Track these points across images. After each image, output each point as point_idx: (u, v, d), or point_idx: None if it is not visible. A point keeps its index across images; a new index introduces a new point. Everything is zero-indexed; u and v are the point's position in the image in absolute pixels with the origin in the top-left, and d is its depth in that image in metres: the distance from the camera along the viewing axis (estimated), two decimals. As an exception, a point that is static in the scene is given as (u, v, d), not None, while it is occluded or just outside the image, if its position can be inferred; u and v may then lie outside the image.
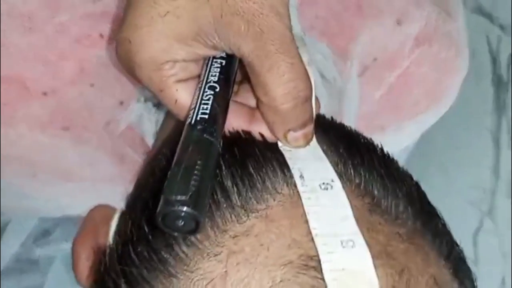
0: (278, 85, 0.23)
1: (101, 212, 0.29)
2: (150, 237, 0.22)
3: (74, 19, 0.34)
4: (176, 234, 0.20)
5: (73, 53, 0.34)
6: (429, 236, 0.24)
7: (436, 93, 0.41)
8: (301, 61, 0.23)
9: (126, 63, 0.24)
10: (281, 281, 0.20)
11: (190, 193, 0.19)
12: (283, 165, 0.23)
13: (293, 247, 0.21)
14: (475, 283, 0.25)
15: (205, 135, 0.22)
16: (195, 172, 0.20)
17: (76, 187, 0.40)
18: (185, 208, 0.19)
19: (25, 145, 0.36)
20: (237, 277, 0.20)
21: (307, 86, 0.23)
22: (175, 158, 0.21)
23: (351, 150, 0.25)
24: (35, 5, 0.33)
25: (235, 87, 0.27)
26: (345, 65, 0.36)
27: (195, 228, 0.20)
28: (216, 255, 0.21)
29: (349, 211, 0.22)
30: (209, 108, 0.23)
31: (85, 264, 0.27)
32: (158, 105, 0.36)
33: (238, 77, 0.27)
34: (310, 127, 0.24)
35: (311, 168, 0.23)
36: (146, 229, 0.22)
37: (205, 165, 0.21)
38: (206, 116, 0.22)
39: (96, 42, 0.34)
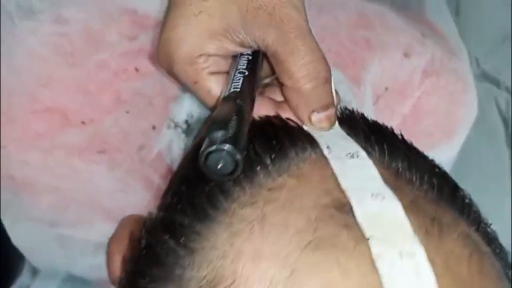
0: (300, 67, 0.26)
1: (135, 217, 0.30)
2: (191, 195, 0.23)
3: (113, 55, 0.38)
4: (216, 177, 0.22)
5: (111, 85, 0.38)
6: (456, 209, 0.25)
7: (448, 126, 0.43)
8: (318, 47, 0.26)
9: (165, 62, 0.28)
10: (316, 219, 0.21)
11: (229, 135, 0.22)
12: (311, 139, 0.25)
13: (325, 195, 0.22)
14: (509, 259, 0.25)
15: (238, 101, 0.24)
16: (232, 122, 0.22)
17: (104, 228, 0.41)
18: (226, 146, 0.21)
19: (62, 172, 0.38)
20: (274, 219, 0.21)
21: (326, 69, 0.26)
22: (214, 114, 0.23)
23: (373, 133, 0.27)
24: (78, 44, 0.38)
25: (262, 91, 0.30)
26: (359, 90, 0.39)
27: (234, 169, 0.22)
28: (253, 203, 0.22)
29: (376, 172, 0.23)
30: (240, 85, 0.26)
31: (118, 259, 0.29)
32: (187, 131, 0.38)
33: (263, 83, 0.30)
34: (332, 110, 0.27)
35: (337, 143, 0.25)
36: (187, 190, 0.24)
37: (240, 119, 0.23)
38: (238, 89, 0.25)
39: (132, 75, 0.38)
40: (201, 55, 0.27)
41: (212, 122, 0.22)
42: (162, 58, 0.28)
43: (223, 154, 0.21)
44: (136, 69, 0.38)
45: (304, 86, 0.26)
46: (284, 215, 0.22)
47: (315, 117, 0.26)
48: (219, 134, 0.21)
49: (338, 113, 0.28)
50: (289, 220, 0.21)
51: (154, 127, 0.38)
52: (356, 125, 0.27)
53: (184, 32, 0.27)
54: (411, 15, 0.44)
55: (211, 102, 0.28)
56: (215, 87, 0.27)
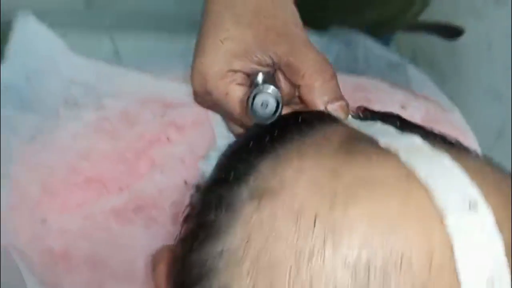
0: (308, 67, 0.31)
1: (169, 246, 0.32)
2: (235, 166, 0.26)
3: (147, 129, 0.43)
4: (262, 118, 0.26)
5: (145, 153, 0.42)
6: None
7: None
8: (319, 52, 0.32)
9: (199, 83, 0.34)
10: (348, 139, 0.25)
11: (269, 81, 0.27)
12: (333, 118, 0.30)
13: (354, 134, 0.26)
14: None
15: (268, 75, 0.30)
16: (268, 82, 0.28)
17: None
18: (270, 88, 0.26)
19: (99, 238, 0.40)
20: (309, 150, 0.24)
21: (330, 67, 0.32)
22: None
23: (387, 117, 0.30)
24: (117, 124, 0.43)
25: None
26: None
27: (276, 108, 0.26)
28: (289, 148, 0.25)
29: (399, 132, 0.27)
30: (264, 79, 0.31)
31: (163, 268, 0.30)
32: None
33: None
34: (344, 102, 0.31)
35: (356, 123, 0.29)
36: (232, 163, 0.27)
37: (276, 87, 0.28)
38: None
39: (165, 143, 0.43)
40: (229, 70, 0.33)
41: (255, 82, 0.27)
42: (196, 80, 0.33)
43: (266, 94, 0.26)
44: (168, 138, 0.43)
45: (315, 82, 0.31)
46: (319, 148, 0.25)
47: (330, 107, 0.31)
48: (260, 79, 0.26)
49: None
50: (322, 145, 0.24)
51: (186, 182, 0.41)
52: (370, 114, 0.31)
53: (214, 55, 0.33)
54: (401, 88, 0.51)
55: (241, 110, 0.32)
56: (244, 97, 0.32)
